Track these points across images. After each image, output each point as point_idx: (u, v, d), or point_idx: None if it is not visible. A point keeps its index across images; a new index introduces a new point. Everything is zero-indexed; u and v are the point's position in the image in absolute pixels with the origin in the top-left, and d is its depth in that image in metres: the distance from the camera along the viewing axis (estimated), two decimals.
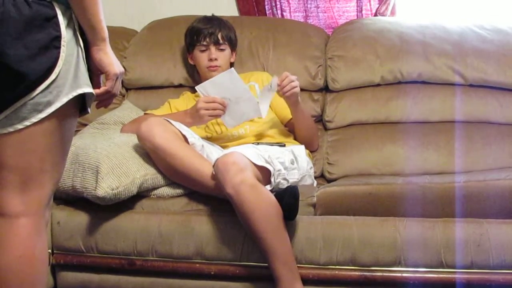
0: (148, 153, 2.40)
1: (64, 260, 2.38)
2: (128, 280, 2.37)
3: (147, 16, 3.32)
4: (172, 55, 3.07)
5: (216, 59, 2.79)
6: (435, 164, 2.68)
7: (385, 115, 2.87)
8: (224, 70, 2.81)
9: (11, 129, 1.51)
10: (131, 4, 3.47)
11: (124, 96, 3.09)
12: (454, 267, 2.16)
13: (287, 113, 2.76)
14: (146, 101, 3.04)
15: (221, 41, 2.82)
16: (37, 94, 1.50)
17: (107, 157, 2.31)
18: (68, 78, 1.53)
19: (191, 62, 2.92)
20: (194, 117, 2.57)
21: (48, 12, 1.50)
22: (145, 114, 2.83)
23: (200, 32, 2.83)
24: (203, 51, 2.82)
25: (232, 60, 2.92)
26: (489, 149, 2.71)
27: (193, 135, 2.48)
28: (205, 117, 2.55)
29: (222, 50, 2.82)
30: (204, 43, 2.81)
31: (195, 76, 3.00)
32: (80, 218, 2.37)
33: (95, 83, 1.66)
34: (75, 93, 1.55)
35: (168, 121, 2.42)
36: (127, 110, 2.90)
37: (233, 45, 2.89)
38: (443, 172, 2.64)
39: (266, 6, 3.36)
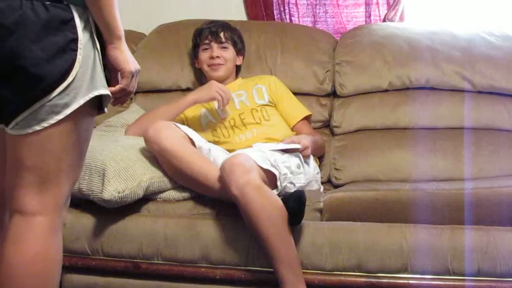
0: (155, 156, 2.40)
1: (69, 262, 2.37)
2: (133, 283, 2.36)
3: (155, 19, 3.33)
4: (180, 58, 3.07)
5: (218, 57, 2.79)
6: (443, 171, 2.67)
7: (393, 121, 2.86)
8: (229, 70, 2.82)
9: (29, 131, 1.54)
10: (139, 7, 3.47)
11: (131, 99, 3.09)
12: (461, 275, 2.14)
13: (294, 117, 2.76)
14: (153, 105, 3.03)
15: (223, 40, 2.83)
16: (55, 96, 1.52)
17: (113, 160, 2.31)
18: (85, 80, 1.55)
19: (197, 66, 2.92)
20: (203, 89, 2.67)
21: (65, 15, 1.51)
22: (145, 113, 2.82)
23: (202, 31, 2.85)
24: (205, 49, 2.84)
25: (238, 63, 2.92)
26: (497, 156, 2.70)
27: (200, 138, 2.48)
28: (214, 90, 2.62)
29: (224, 48, 2.83)
30: (206, 41, 2.83)
31: (203, 80, 2.99)
32: (86, 221, 2.37)
33: (113, 81, 1.67)
34: (91, 95, 1.57)
35: (175, 124, 2.42)
36: (134, 113, 2.90)
37: (238, 47, 2.89)
38: (451, 178, 2.63)
39: (274, 11, 3.36)
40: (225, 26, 2.88)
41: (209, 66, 2.82)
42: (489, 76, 2.81)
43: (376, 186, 2.47)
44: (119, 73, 1.67)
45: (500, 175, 2.63)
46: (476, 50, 2.87)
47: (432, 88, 2.86)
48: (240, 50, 2.92)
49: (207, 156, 2.44)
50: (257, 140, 2.65)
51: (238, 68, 2.95)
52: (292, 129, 2.77)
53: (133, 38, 3.22)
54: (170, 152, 2.33)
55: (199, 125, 2.73)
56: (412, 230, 2.19)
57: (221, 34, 2.84)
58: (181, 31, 3.15)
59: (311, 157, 2.62)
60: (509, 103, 2.82)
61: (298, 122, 2.76)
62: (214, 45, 2.82)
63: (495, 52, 2.86)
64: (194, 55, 2.94)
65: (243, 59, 2.96)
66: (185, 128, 2.43)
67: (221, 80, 2.82)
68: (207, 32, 2.84)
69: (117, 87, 1.67)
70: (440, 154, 2.71)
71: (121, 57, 1.64)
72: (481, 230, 2.17)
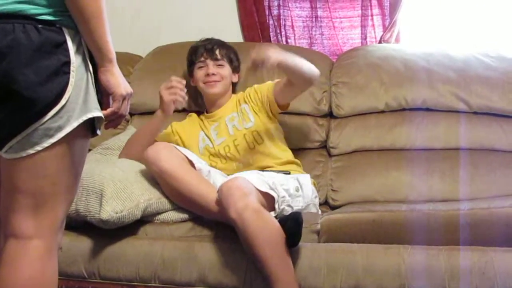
0: (155, 177, 2.40)
1: (66, 285, 2.37)
2: None
3: (152, 42, 3.34)
4: None
5: (214, 74, 2.78)
6: (440, 191, 2.67)
7: (390, 142, 2.86)
8: (225, 87, 2.81)
9: (23, 154, 1.54)
10: (136, 30, 3.49)
11: (128, 121, 3.09)
12: None
13: (274, 83, 2.73)
14: None
15: (218, 57, 2.81)
16: (48, 120, 1.52)
17: (111, 180, 2.32)
18: (78, 103, 1.55)
19: (193, 84, 2.91)
20: (160, 106, 2.64)
21: (57, 38, 1.52)
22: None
23: (197, 49, 2.84)
24: (201, 67, 2.82)
25: (234, 80, 2.90)
26: (494, 177, 2.70)
27: (200, 160, 2.48)
28: (166, 96, 2.61)
29: (220, 66, 2.82)
30: (202, 59, 2.81)
31: (199, 100, 3.00)
32: (83, 244, 2.37)
33: (105, 104, 1.67)
34: (85, 118, 1.57)
35: (175, 146, 2.43)
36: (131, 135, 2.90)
37: (234, 65, 2.88)
38: (448, 199, 2.63)
39: (271, 33, 3.38)
40: (220, 43, 2.87)
41: (204, 83, 2.81)
42: (485, 96, 2.82)
43: (373, 207, 2.47)
44: (111, 96, 1.68)
45: (497, 195, 2.63)
46: (472, 71, 2.89)
47: (428, 109, 2.87)
48: (236, 68, 2.90)
49: (207, 178, 2.45)
50: (255, 167, 2.63)
51: (233, 85, 2.94)
52: (279, 106, 2.73)
53: (130, 60, 3.24)
54: (169, 174, 2.34)
55: (196, 150, 2.71)
56: (409, 251, 2.19)
57: (217, 52, 2.82)
58: (178, 53, 3.14)
59: (310, 181, 2.61)
60: (505, 123, 2.82)
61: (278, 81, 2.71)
62: (210, 63, 2.81)
63: (491, 73, 2.87)
64: (189, 73, 2.94)
65: (239, 77, 2.96)
66: (184, 150, 2.44)
67: (218, 97, 2.82)
68: (202, 49, 2.83)
69: (109, 110, 1.66)
70: (437, 175, 2.71)
71: (113, 80, 1.64)
72: (478, 251, 2.17)
